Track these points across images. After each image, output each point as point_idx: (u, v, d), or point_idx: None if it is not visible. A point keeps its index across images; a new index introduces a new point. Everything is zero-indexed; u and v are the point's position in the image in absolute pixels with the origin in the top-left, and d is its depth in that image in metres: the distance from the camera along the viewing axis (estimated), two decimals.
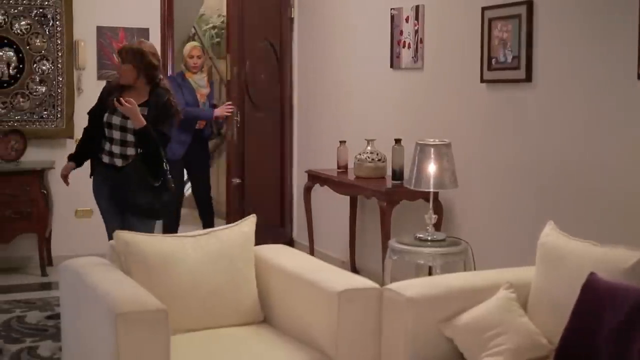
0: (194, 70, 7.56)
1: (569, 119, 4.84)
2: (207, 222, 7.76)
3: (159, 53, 7.64)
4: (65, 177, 5.60)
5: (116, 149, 5.34)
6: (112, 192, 5.38)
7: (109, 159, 5.37)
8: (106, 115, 5.34)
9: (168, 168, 5.39)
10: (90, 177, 5.51)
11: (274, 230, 7.82)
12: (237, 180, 8.03)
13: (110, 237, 5.14)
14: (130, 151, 5.32)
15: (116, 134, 5.32)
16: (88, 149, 5.53)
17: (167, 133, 5.39)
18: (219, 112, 7.69)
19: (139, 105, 5.22)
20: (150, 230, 5.30)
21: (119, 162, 5.34)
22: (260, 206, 7.61)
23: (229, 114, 7.75)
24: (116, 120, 5.31)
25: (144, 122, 5.19)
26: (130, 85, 5.37)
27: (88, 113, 5.59)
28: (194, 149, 7.57)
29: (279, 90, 8.37)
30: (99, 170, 5.45)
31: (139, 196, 5.29)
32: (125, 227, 4.89)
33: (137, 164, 5.30)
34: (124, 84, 5.39)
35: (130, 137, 5.30)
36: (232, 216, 7.95)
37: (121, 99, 5.15)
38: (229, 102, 7.82)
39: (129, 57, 5.35)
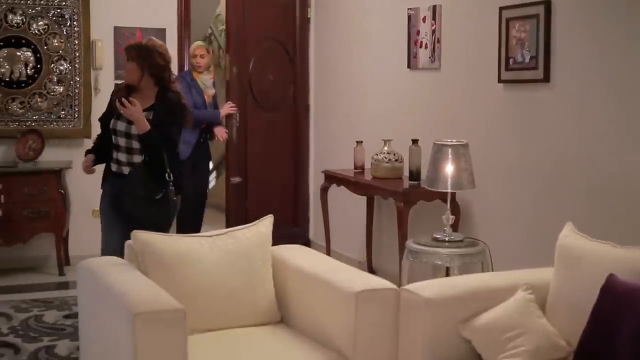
0: (199, 70, 7.50)
1: (588, 119, 4.81)
2: (196, 223, 7.66)
3: (176, 54, 7.73)
4: (88, 167, 5.25)
5: (122, 157, 5.09)
6: (114, 201, 5.11)
7: (117, 167, 5.13)
8: (112, 121, 5.10)
9: (171, 179, 5.02)
10: (101, 188, 5.29)
11: (285, 229, 7.82)
12: (237, 179, 8.04)
13: (104, 252, 4.98)
14: (137, 159, 5.05)
15: (122, 141, 5.06)
16: (102, 154, 5.27)
17: (175, 138, 5.12)
18: (224, 112, 7.68)
19: (145, 109, 4.98)
20: None
21: (126, 170, 5.08)
22: (266, 205, 7.60)
23: (233, 111, 7.76)
24: (121, 126, 5.05)
25: (148, 127, 4.92)
26: (136, 87, 5.11)
27: (99, 119, 5.36)
28: (198, 149, 7.52)
29: (291, 91, 8.41)
30: (109, 179, 5.21)
31: (139, 208, 4.97)
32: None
33: (140, 171, 5.01)
34: (130, 86, 5.12)
35: (135, 144, 5.03)
36: (232, 214, 8.02)
37: (123, 99, 4.90)
38: (229, 102, 7.83)
39: (133, 55, 5.10)
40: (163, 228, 5.04)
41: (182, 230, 7.14)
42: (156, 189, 5.00)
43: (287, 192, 8.41)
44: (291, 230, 8.12)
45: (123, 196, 5.01)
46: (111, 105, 5.19)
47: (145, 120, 4.94)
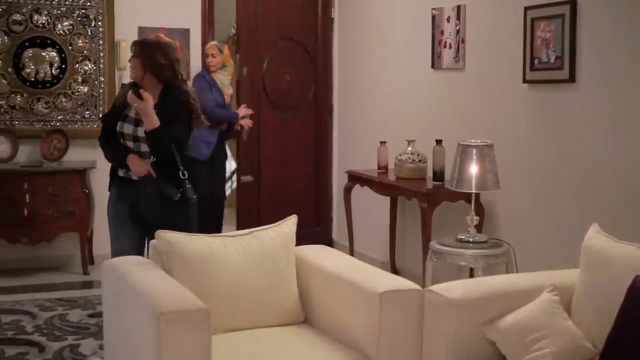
0: (212, 69, 7.51)
1: (613, 120, 4.78)
2: (216, 223, 7.52)
3: (199, 54, 7.76)
4: (147, 167, 4.86)
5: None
6: (130, 211, 4.91)
7: (124, 172, 4.95)
8: (119, 123, 4.92)
9: (186, 176, 4.85)
10: (109, 190, 5.13)
11: (306, 229, 7.80)
12: (248, 178, 8.06)
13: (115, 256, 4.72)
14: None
15: (129, 144, 4.89)
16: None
17: (180, 137, 4.88)
18: (242, 112, 7.69)
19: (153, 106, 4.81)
20: None
21: (135, 176, 4.89)
22: (281, 205, 7.82)
23: (251, 112, 7.76)
24: (128, 129, 4.88)
25: (157, 123, 4.73)
26: (140, 85, 4.89)
27: (101, 119, 5.14)
28: (217, 149, 7.54)
29: (311, 91, 8.43)
30: (115, 183, 5.05)
31: (156, 212, 4.78)
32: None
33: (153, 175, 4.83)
34: (135, 82, 4.97)
35: (144, 148, 4.86)
36: (243, 213, 8.08)
37: (141, 90, 4.75)
38: (244, 105, 7.85)
39: (137, 51, 4.95)
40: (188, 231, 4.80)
41: (202, 230, 7.14)
42: (172, 190, 4.82)
43: (308, 192, 8.43)
44: (313, 230, 8.12)
45: (138, 202, 4.85)
46: (116, 106, 5.05)
47: (155, 116, 4.75)
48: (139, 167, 4.87)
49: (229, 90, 7.59)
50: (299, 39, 8.35)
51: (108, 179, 5.15)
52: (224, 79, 7.55)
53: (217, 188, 7.62)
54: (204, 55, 7.68)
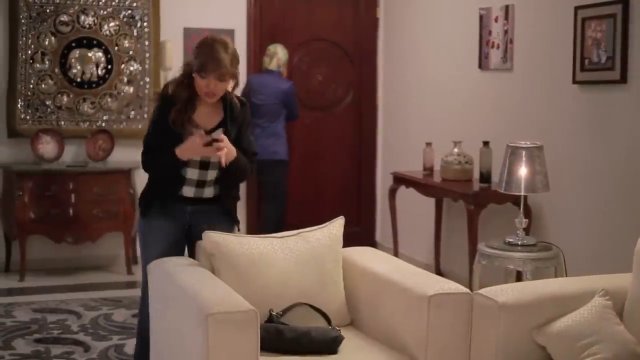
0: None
1: None
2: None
3: (245, 55, 7.80)
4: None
5: (196, 176, 4.08)
6: (183, 231, 4.18)
7: (195, 190, 4.11)
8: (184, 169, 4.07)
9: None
10: (144, 215, 4.17)
11: (345, 229, 7.78)
12: None
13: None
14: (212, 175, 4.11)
15: (189, 192, 4.10)
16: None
17: (256, 150, 4.29)
18: None
19: (216, 126, 4.07)
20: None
21: (209, 193, 4.14)
22: (309, 205, 7.97)
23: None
24: (192, 174, 4.07)
25: (235, 152, 4.00)
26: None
27: (149, 141, 4.11)
28: None
29: (350, 91, 8.41)
30: (172, 205, 4.12)
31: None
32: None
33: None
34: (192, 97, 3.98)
35: (207, 193, 4.14)
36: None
37: (222, 138, 3.91)
38: None
39: (232, 61, 3.94)
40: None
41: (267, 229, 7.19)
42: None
43: (347, 193, 8.42)
44: (353, 231, 8.08)
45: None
46: (171, 124, 4.00)
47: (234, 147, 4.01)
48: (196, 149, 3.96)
49: None
50: (335, 39, 8.33)
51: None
52: None
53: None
54: (250, 57, 7.70)
